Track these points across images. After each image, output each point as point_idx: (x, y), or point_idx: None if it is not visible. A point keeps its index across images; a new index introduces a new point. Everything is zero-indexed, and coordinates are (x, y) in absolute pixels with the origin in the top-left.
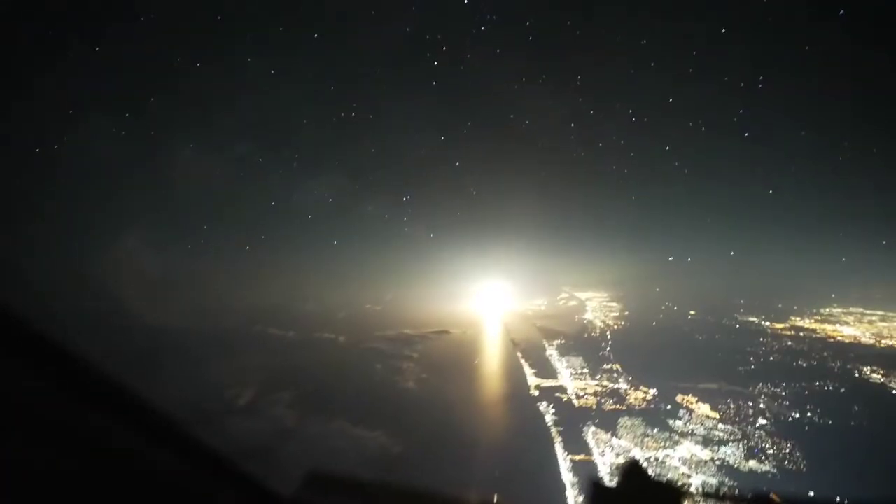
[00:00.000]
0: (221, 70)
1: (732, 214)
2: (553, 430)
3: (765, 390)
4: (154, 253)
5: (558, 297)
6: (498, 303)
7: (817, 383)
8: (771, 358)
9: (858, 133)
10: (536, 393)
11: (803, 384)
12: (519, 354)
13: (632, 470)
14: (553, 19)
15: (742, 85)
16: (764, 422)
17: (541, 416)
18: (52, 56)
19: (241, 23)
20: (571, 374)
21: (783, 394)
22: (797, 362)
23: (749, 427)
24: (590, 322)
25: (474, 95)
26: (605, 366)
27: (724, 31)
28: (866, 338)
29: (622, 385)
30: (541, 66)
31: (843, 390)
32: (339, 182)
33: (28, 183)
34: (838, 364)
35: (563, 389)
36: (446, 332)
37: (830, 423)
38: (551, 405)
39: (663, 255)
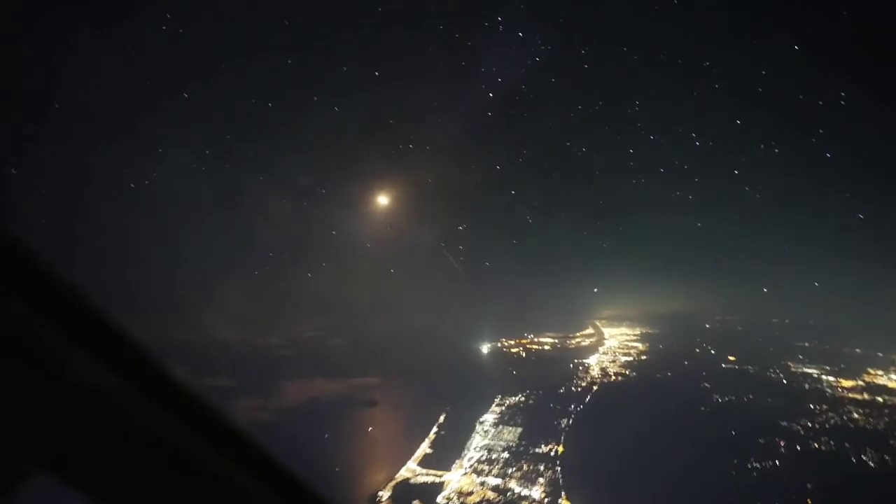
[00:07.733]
0: (291, 109)
1: (816, 241)
2: None
3: None
4: (222, 279)
5: (579, 333)
6: (503, 339)
7: None
8: (817, 444)
9: None
10: (387, 494)
11: None
12: (441, 419)
13: None
14: (609, 46)
15: (821, 103)
16: None
17: None
18: (147, 101)
19: (309, 64)
20: (478, 460)
21: None
22: (861, 456)
23: None
24: (586, 369)
25: (530, 124)
26: (540, 447)
27: (797, 47)
28: None
29: (535, 493)
30: (597, 93)
31: None
32: (398, 212)
33: (122, 215)
34: None
35: (436, 490)
36: (377, 384)
37: None
38: None
39: (731, 286)
